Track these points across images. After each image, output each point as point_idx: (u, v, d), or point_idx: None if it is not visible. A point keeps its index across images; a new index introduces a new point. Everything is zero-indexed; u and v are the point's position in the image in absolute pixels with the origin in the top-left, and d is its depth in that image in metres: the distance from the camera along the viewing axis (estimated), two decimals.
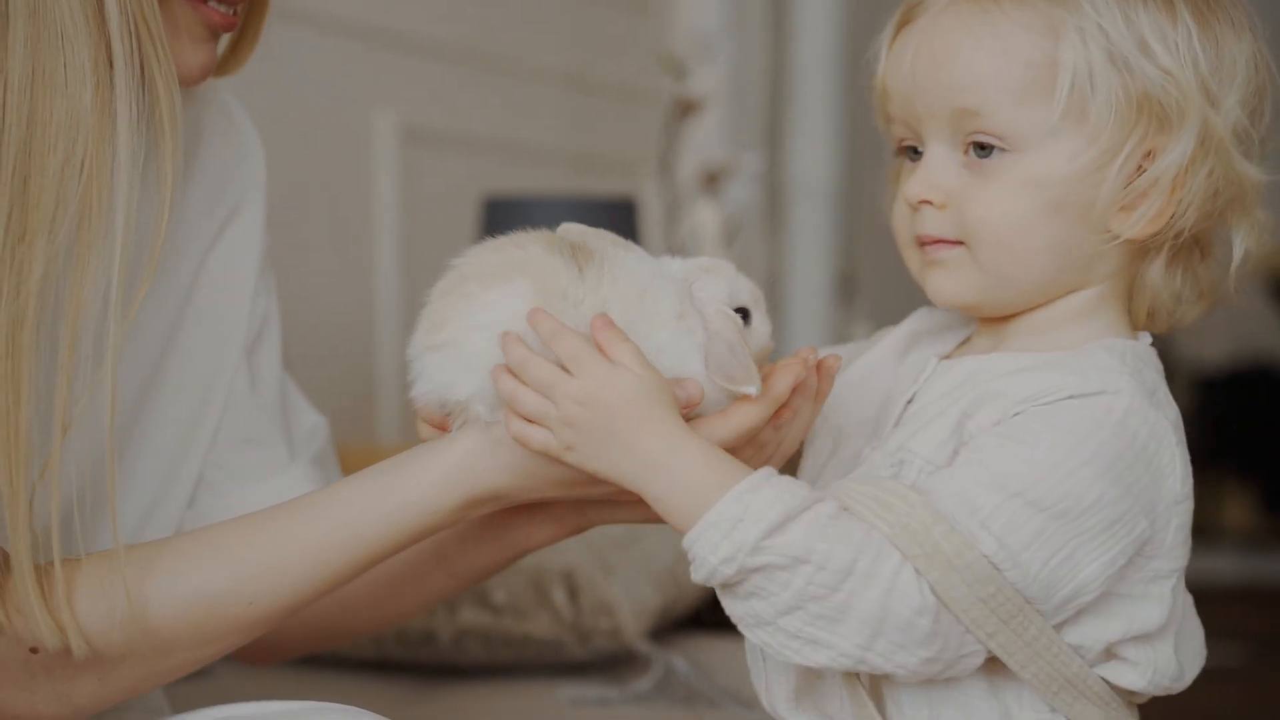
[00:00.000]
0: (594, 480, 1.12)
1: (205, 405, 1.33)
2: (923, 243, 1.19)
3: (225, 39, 1.30)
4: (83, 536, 1.14)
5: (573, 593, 1.87)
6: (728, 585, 1.06)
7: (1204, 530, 6.93)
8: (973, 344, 1.24)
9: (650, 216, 3.36)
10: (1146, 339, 1.21)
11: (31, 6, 1.09)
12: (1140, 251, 1.19)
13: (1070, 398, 1.09)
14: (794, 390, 1.15)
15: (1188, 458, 1.14)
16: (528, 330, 1.12)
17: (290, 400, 1.41)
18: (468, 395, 1.14)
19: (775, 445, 1.18)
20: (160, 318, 1.30)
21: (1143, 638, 1.13)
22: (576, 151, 3.66)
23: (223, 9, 1.22)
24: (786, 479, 1.07)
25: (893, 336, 1.28)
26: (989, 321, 1.22)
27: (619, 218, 2.41)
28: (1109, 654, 1.13)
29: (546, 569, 1.88)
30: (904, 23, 1.21)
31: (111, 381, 1.13)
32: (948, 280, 1.18)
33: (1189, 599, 1.18)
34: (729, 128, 3.95)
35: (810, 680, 1.16)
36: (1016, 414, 1.10)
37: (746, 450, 1.16)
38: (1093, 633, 1.11)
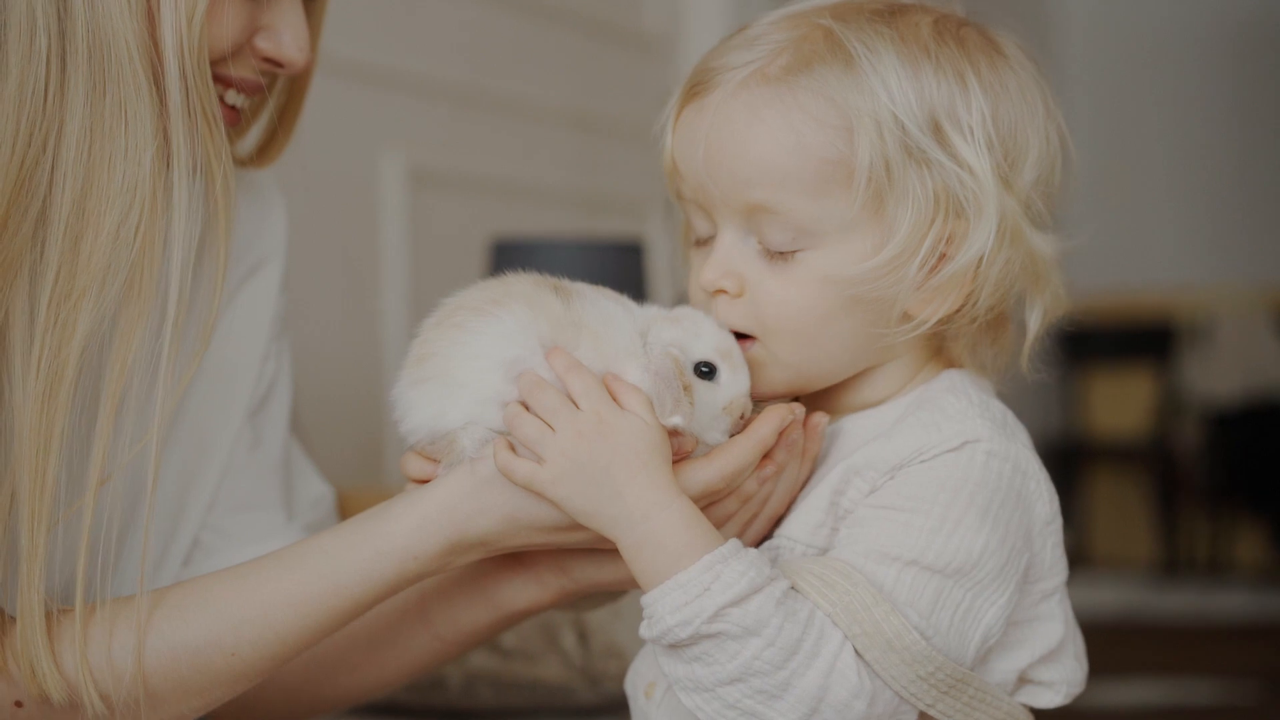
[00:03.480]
0: (576, 526, 1.12)
1: (202, 464, 1.33)
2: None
3: (255, 130, 1.33)
4: (102, 594, 1.14)
5: (582, 637, 1.86)
6: (675, 646, 1.06)
7: (1216, 567, 6.91)
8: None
9: (658, 259, 3.36)
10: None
11: (93, 71, 1.10)
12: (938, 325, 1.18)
13: (936, 457, 1.11)
14: (779, 438, 1.14)
15: (1048, 477, 1.16)
16: (524, 357, 1.13)
17: (296, 467, 1.40)
18: (456, 425, 1.14)
19: (760, 501, 1.16)
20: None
21: (1049, 655, 1.16)
22: (584, 192, 3.66)
23: (240, 100, 1.22)
24: (755, 553, 1.08)
25: None
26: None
27: (627, 260, 2.41)
28: (1023, 680, 1.16)
29: (555, 613, 1.87)
30: (691, 96, 1.18)
31: (156, 449, 1.13)
32: (758, 376, 1.17)
33: (1067, 605, 1.20)
34: None
35: None
36: (889, 481, 1.11)
37: (731, 502, 1.15)
38: (1006, 665, 1.14)
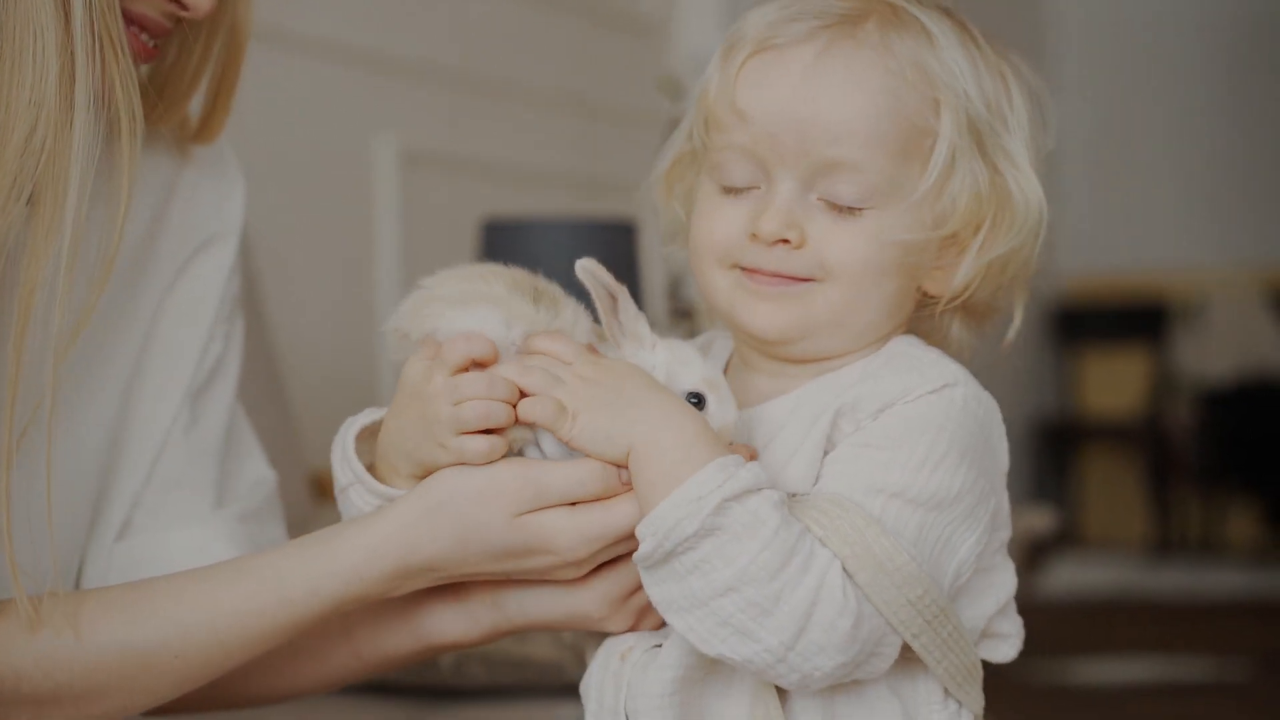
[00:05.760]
0: (527, 551, 1.13)
1: (134, 437, 1.33)
2: (758, 273, 1.17)
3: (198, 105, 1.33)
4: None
5: None
6: (674, 555, 1.07)
7: (1208, 545, 6.94)
8: (752, 380, 1.22)
9: (651, 239, 3.36)
10: None
11: None
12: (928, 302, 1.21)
13: (919, 398, 1.13)
14: None
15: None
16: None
17: (237, 449, 1.40)
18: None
19: None
20: (123, 353, 1.31)
21: (1006, 607, 1.18)
22: (577, 174, 3.67)
23: (144, 37, 1.22)
24: (757, 465, 1.10)
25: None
26: (772, 358, 1.21)
27: (619, 240, 2.41)
28: (985, 634, 1.18)
29: None
30: (764, 48, 1.17)
31: (52, 377, 1.14)
32: (779, 313, 1.17)
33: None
34: None
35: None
36: (872, 422, 1.13)
37: None
38: (973, 612, 1.16)
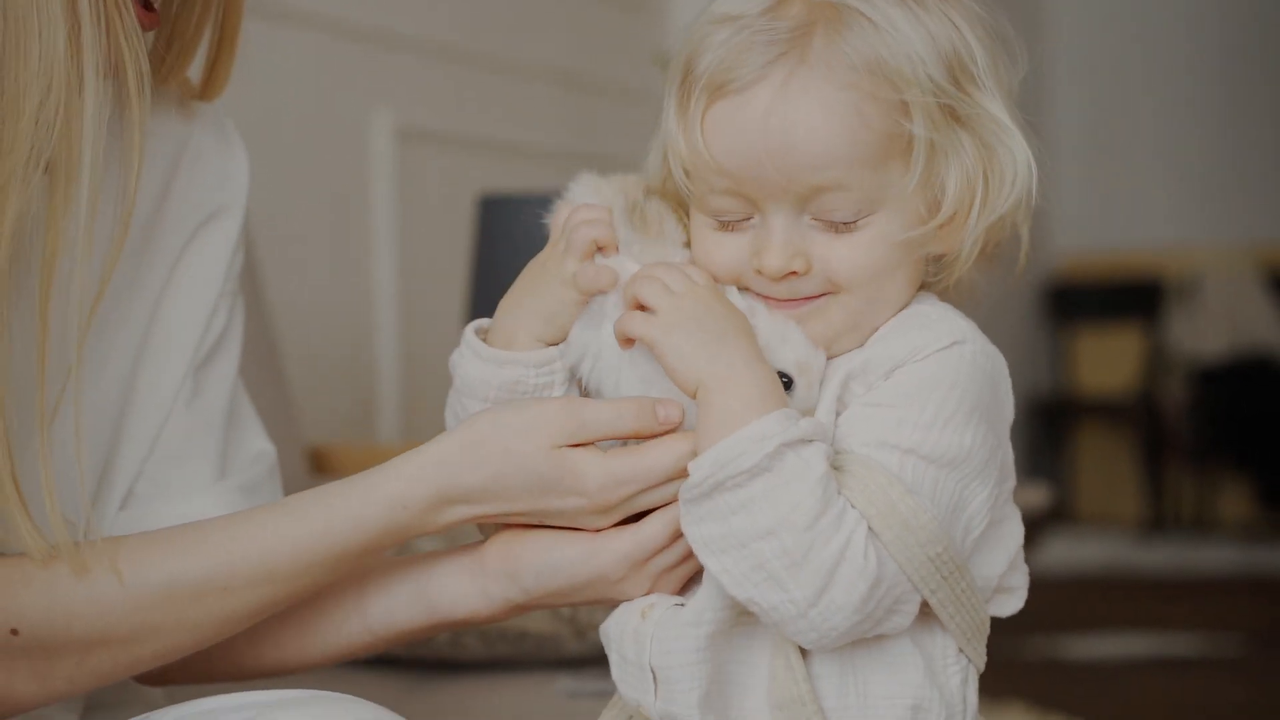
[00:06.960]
0: (559, 486, 1.15)
1: (137, 407, 1.34)
2: (776, 299, 1.19)
3: (199, 64, 1.33)
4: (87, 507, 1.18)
5: None
6: (721, 491, 1.09)
7: (1201, 522, 6.96)
8: None
9: None
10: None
11: None
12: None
13: (928, 356, 1.14)
14: None
15: None
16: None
17: (239, 422, 1.41)
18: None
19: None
20: (132, 323, 1.32)
21: (1016, 558, 1.20)
22: (573, 150, 3.67)
23: None
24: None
25: None
26: None
27: None
28: (998, 589, 1.20)
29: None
30: (722, 93, 1.16)
31: (80, 336, 1.15)
32: (814, 324, 1.18)
33: None
34: None
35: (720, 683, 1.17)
36: (883, 382, 1.15)
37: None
38: (988, 571, 1.18)
